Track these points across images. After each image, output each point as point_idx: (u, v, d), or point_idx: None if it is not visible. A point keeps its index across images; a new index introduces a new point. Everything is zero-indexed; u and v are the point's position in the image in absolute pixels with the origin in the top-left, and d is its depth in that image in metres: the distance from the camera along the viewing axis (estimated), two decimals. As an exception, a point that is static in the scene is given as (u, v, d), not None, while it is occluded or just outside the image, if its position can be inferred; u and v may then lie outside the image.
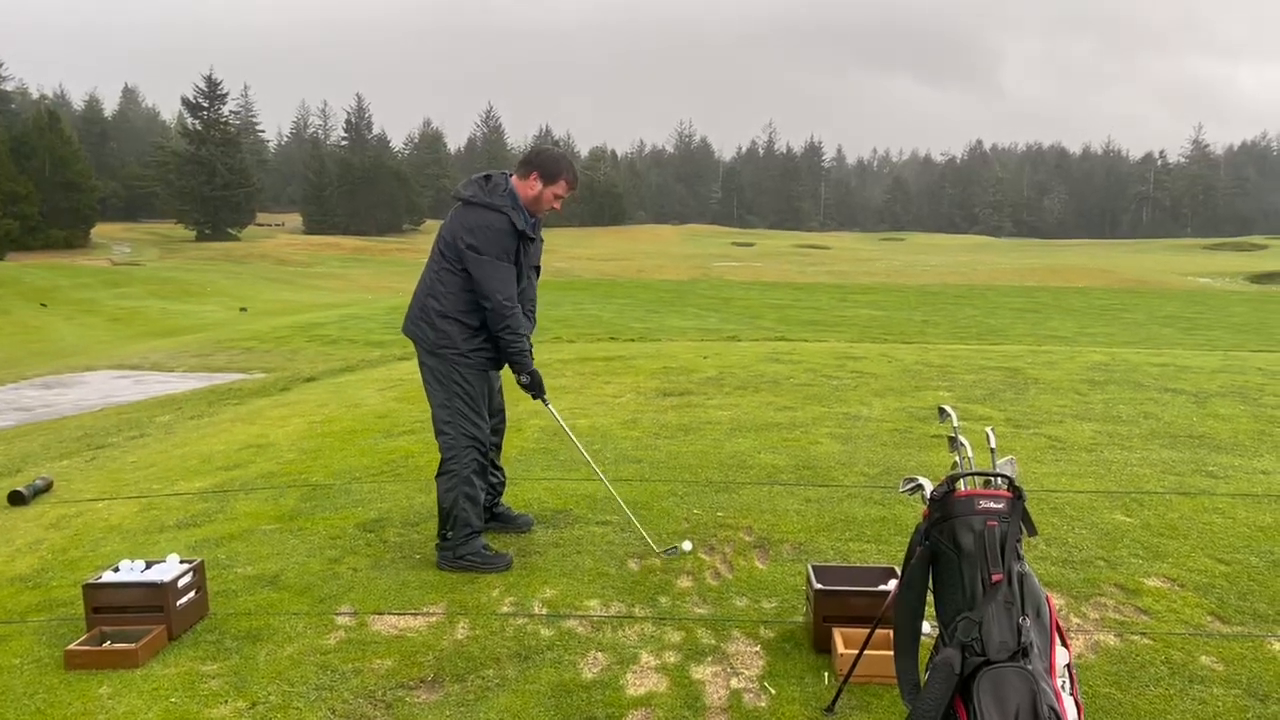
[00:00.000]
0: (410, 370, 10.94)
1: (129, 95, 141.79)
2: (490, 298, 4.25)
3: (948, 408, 3.17)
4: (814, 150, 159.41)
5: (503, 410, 4.80)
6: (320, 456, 6.52)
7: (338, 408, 8.62)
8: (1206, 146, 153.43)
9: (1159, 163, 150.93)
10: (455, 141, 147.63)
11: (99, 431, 8.77)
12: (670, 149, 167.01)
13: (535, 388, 4.47)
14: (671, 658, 3.52)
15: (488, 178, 4.42)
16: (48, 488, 6.27)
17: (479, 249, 4.25)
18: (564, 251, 73.51)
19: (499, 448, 4.79)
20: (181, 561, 3.91)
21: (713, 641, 3.64)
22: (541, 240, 4.65)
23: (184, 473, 6.44)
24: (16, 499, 5.95)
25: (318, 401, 9.22)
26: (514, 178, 4.39)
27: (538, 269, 4.64)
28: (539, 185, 4.35)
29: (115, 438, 8.27)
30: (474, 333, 4.36)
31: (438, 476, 4.42)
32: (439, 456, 4.42)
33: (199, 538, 4.89)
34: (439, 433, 4.42)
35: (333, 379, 11.35)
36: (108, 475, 6.65)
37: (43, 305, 33.20)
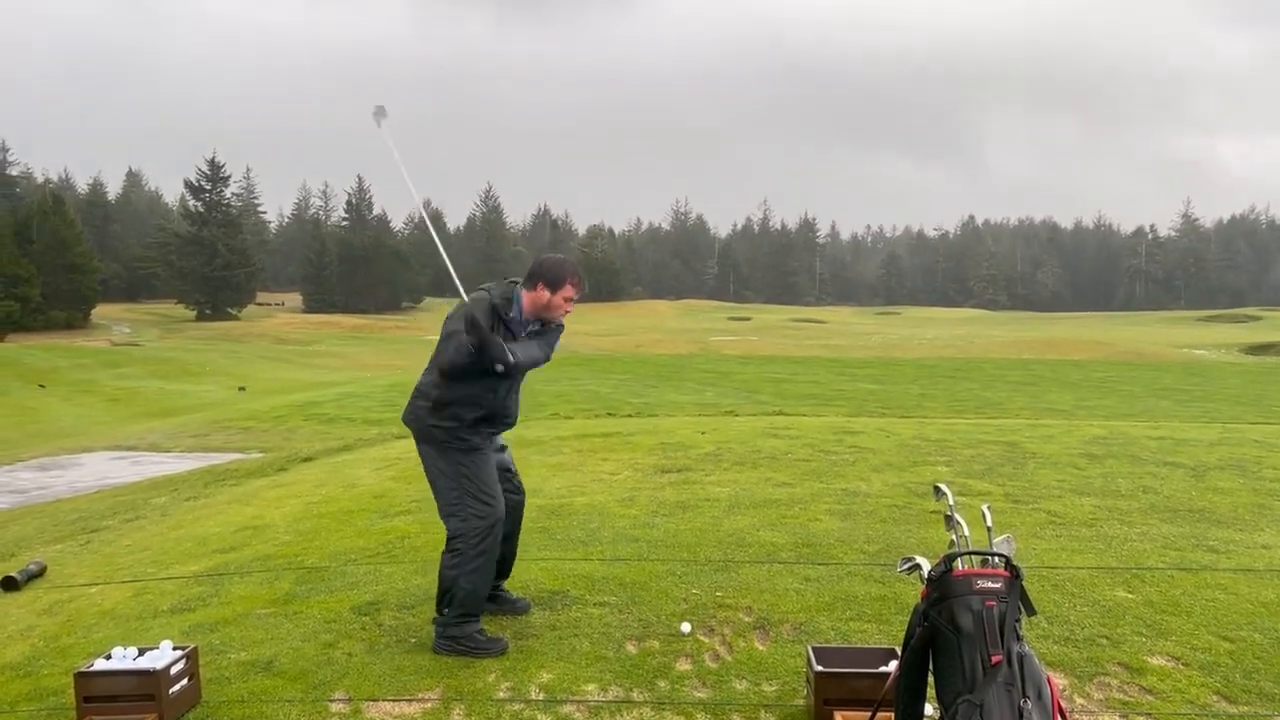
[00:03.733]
0: (407, 449, 10.92)
1: (132, 178, 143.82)
2: (440, 367, 4.32)
3: (943, 486, 3.18)
4: (808, 226, 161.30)
5: (512, 474, 4.74)
6: (316, 538, 6.48)
7: (335, 488, 8.59)
8: (1196, 220, 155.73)
9: (1150, 236, 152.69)
10: (455, 221, 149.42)
11: (94, 514, 8.72)
12: (666, 226, 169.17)
13: (483, 344, 4.22)
14: (671, 743, 3.46)
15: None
16: (41, 572, 6.21)
17: (452, 319, 4.35)
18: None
19: (515, 522, 4.74)
20: (174, 648, 3.87)
21: (712, 726, 3.58)
22: (552, 332, 4.62)
23: (179, 556, 6.39)
24: (9, 584, 5.90)
25: (315, 481, 9.19)
26: (523, 290, 4.47)
27: (546, 357, 4.59)
28: (547, 294, 4.43)
29: (110, 520, 8.23)
30: (475, 412, 4.39)
31: (443, 553, 4.41)
32: (440, 534, 4.43)
33: (193, 622, 4.84)
34: (449, 516, 4.42)
35: (330, 458, 11.32)
36: (102, 559, 6.60)
37: (41, 386, 33.22)
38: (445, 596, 4.33)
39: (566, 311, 4.52)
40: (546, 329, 4.58)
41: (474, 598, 4.33)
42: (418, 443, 4.50)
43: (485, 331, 4.20)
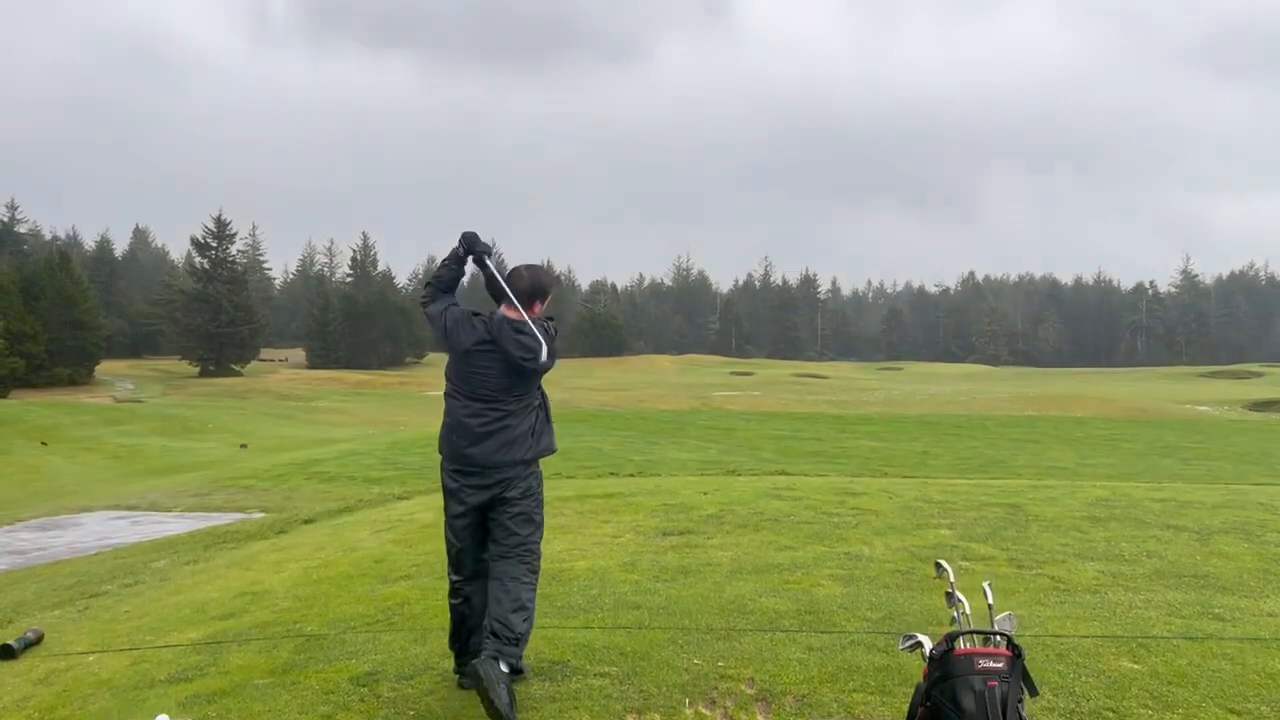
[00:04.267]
0: (408, 510, 10.89)
1: (139, 235, 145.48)
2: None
3: (944, 563, 3.18)
4: (809, 282, 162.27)
5: (507, 534, 4.62)
6: (315, 604, 6.44)
7: (334, 551, 8.55)
8: (1196, 276, 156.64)
9: (1150, 292, 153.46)
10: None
11: (93, 578, 8.67)
12: (669, 281, 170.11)
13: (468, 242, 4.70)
14: (671, 823, 3.41)
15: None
16: (39, 640, 6.17)
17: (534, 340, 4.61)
18: (565, 382, 73.92)
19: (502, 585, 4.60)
20: (171, 722, 3.84)
21: (714, 804, 3.53)
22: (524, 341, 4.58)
23: (177, 623, 6.35)
24: (7, 653, 5.85)
25: (315, 545, 9.15)
26: (518, 311, 4.60)
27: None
28: (540, 307, 4.68)
29: (109, 585, 8.18)
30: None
31: (527, 585, 4.61)
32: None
33: (190, 693, 4.79)
34: (531, 551, 4.69)
35: (330, 520, 11.27)
36: (100, 626, 6.56)
37: (43, 444, 33.19)
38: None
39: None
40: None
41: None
42: None
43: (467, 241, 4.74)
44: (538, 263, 5.06)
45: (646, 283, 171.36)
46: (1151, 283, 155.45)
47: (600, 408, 53.05)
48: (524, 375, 4.52)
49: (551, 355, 4.52)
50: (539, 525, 4.66)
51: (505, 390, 4.52)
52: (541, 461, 4.92)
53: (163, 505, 15.65)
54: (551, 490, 11.72)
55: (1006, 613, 2.95)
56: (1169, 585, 6.27)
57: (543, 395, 4.76)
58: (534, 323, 4.54)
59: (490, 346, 4.52)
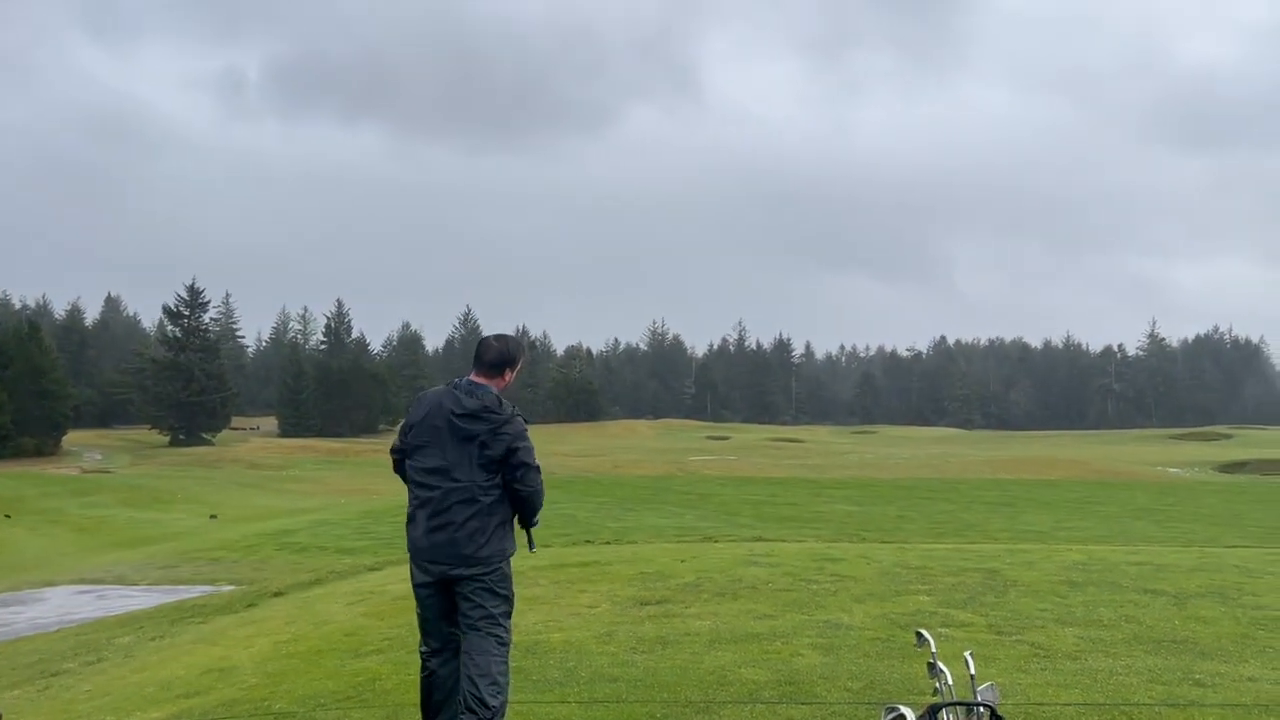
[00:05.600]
0: (380, 582, 10.71)
1: (111, 304, 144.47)
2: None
3: (924, 632, 3.15)
4: (783, 346, 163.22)
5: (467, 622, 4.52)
6: (284, 680, 6.28)
7: (305, 625, 8.37)
8: (1162, 340, 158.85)
9: (1119, 355, 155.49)
10: (434, 342, 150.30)
11: (54, 655, 8.44)
12: (644, 346, 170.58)
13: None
14: None
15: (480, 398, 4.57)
16: (-5, 722, 5.97)
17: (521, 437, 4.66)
18: (540, 448, 72.15)
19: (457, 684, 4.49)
20: (132, 809, 3.70)
21: None
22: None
23: (140, 702, 6.16)
24: (-40, 736, 5.65)
25: (285, 618, 8.96)
26: (479, 378, 4.58)
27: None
28: (510, 378, 4.68)
29: (70, 663, 7.96)
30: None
31: (496, 659, 4.50)
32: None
33: (152, 777, 4.63)
34: (500, 625, 4.59)
35: (301, 592, 11.07)
36: (60, 706, 6.36)
37: (6, 516, 32.51)
38: None
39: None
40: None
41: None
42: None
43: None
44: (509, 331, 5.09)
45: (622, 347, 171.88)
46: (1120, 345, 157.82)
47: (576, 474, 52.75)
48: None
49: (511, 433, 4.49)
50: (505, 598, 4.55)
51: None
52: (516, 529, 4.87)
53: (129, 579, 15.32)
54: (525, 560, 11.59)
55: (989, 683, 2.92)
56: (1149, 650, 6.24)
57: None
58: (495, 393, 4.56)
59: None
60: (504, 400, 4.55)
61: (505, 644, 4.50)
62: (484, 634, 4.43)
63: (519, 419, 4.53)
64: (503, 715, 4.39)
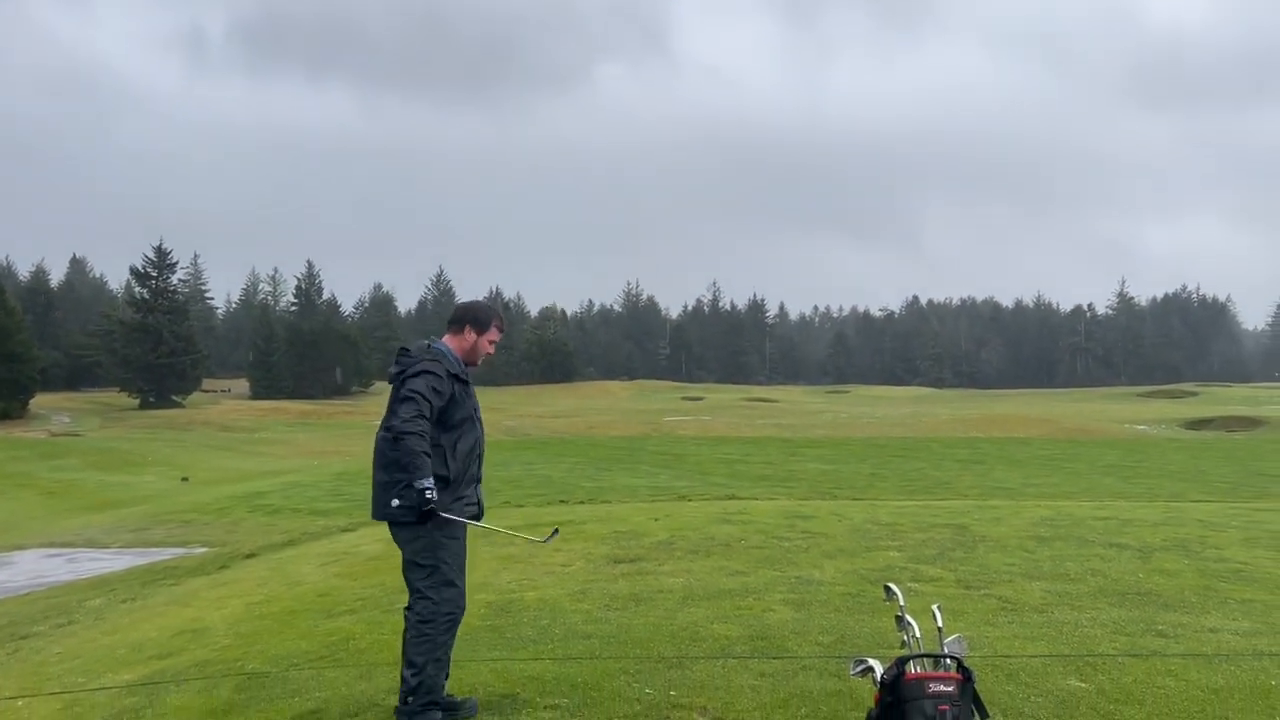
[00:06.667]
0: (353, 543, 10.69)
1: (76, 265, 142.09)
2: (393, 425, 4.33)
3: (893, 586, 3.18)
4: (757, 307, 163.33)
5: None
6: (257, 641, 6.27)
7: (277, 586, 8.35)
8: (1131, 299, 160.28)
9: (1089, 314, 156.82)
10: (406, 304, 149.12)
11: (24, 619, 8.38)
12: (618, 307, 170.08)
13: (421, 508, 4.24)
14: None
15: (405, 350, 4.61)
16: (-36, 685, 5.93)
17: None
18: (514, 410, 73.45)
19: None
20: (103, 769, 3.69)
21: (667, 837, 3.48)
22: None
23: (112, 663, 6.14)
24: (-72, 699, 5.61)
25: (257, 580, 8.94)
26: (446, 337, 4.68)
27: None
28: (474, 335, 4.67)
29: (41, 625, 7.91)
30: (445, 486, 4.40)
31: (411, 638, 4.38)
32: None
33: (124, 738, 4.62)
34: (420, 597, 4.42)
35: (274, 553, 11.04)
36: (30, 669, 6.32)
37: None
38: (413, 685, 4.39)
39: (489, 353, 4.75)
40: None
41: (437, 684, 4.41)
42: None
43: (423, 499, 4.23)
44: (483, 292, 5.11)
45: (596, 309, 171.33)
46: (1089, 305, 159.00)
47: (550, 435, 52.81)
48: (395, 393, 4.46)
49: (414, 373, 4.40)
50: (430, 569, 4.43)
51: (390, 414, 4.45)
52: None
53: (99, 542, 15.21)
54: (501, 519, 11.62)
55: (956, 635, 2.95)
56: (1113, 603, 6.35)
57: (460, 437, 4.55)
58: (436, 343, 4.63)
59: None
60: (438, 349, 4.56)
61: (426, 620, 4.40)
62: (410, 609, 4.47)
63: (434, 362, 4.45)
64: (427, 690, 4.35)
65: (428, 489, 4.18)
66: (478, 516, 4.69)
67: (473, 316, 4.69)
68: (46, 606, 9.02)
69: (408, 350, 4.60)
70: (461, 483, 4.53)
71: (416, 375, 4.40)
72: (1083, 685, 4.75)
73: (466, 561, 4.64)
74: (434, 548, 4.41)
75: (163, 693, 5.30)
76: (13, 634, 7.74)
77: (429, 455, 4.28)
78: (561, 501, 15.47)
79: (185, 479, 30.11)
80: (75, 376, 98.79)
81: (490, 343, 4.72)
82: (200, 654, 6.10)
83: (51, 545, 15.18)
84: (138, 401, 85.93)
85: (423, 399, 4.33)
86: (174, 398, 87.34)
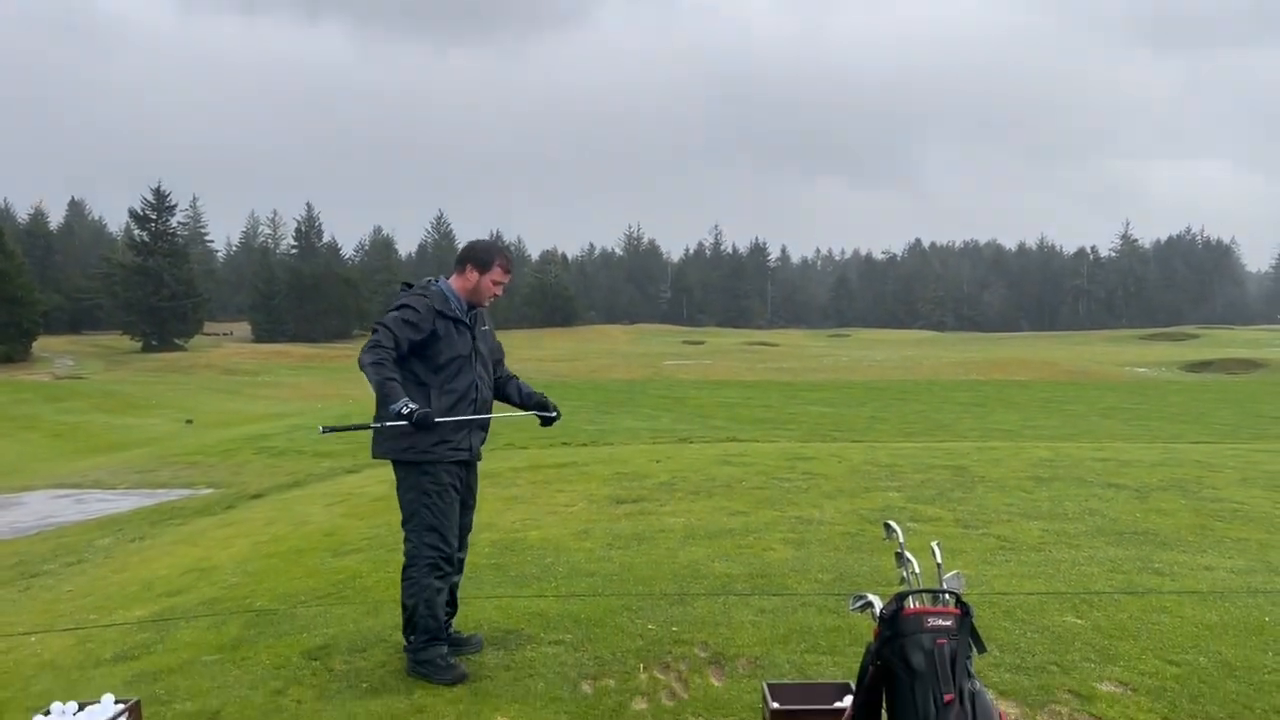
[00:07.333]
0: (358, 484, 10.79)
1: (75, 208, 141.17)
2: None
3: (893, 523, 3.21)
4: (759, 250, 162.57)
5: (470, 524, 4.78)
6: (265, 579, 6.37)
7: (284, 526, 8.45)
8: (1135, 241, 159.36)
9: (1091, 257, 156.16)
10: (406, 247, 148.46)
11: (34, 557, 8.49)
12: (620, 251, 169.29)
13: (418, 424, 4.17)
14: (627, 786, 3.44)
15: (407, 285, 4.62)
16: (-23, 621, 6.03)
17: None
18: (516, 354, 73.25)
19: (460, 565, 4.73)
20: (116, 701, 3.77)
21: (669, 767, 3.56)
22: (490, 331, 4.77)
23: (123, 600, 6.23)
24: (-57, 635, 5.71)
25: (263, 520, 9.03)
26: (452, 277, 4.60)
27: (499, 362, 4.84)
28: (476, 275, 4.55)
29: (51, 564, 8.01)
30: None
31: (402, 580, 4.48)
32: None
33: (136, 671, 4.72)
34: (405, 539, 4.49)
35: (279, 495, 11.15)
36: (42, 606, 6.42)
37: None
38: (409, 624, 4.47)
39: (495, 295, 4.60)
40: (483, 328, 4.63)
41: (430, 620, 4.42)
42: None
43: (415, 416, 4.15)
44: (484, 236, 5.05)
45: (597, 252, 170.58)
46: (1093, 248, 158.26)
47: (553, 378, 52.92)
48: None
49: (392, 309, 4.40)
50: (411, 513, 4.43)
51: None
52: (494, 430, 4.89)
53: (107, 483, 15.35)
54: (504, 460, 11.70)
55: (954, 571, 3.00)
56: (1110, 542, 6.43)
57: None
58: (437, 282, 4.59)
59: None
60: (436, 288, 4.53)
61: (409, 562, 4.44)
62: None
63: (417, 298, 4.41)
64: (428, 625, 4.40)
65: (402, 409, 4.11)
66: (468, 463, 4.59)
67: (474, 256, 4.56)
68: (56, 546, 9.14)
69: (410, 285, 4.59)
70: (449, 426, 4.40)
71: (393, 309, 4.40)
72: (1079, 621, 4.83)
73: (465, 504, 4.66)
74: (416, 491, 4.42)
75: (173, 628, 5.40)
76: (24, 572, 7.85)
77: (394, 379, 4.19)
78: (564, 444, 15.56)
79: (189, 421, 30.26)
80: (77, 320, 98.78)
81: (494, 283, 4.56)
82: (209, 591, 6.19)
83: (59, 486, 15.32)
84: (140, 345, 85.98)
85: (385, 330, 4.28)
86: (176, 341, 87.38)
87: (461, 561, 4.71)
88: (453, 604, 4.72)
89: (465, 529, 4.70)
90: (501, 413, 4.84)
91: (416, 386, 4.37)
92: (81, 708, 3.76)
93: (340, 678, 4.45)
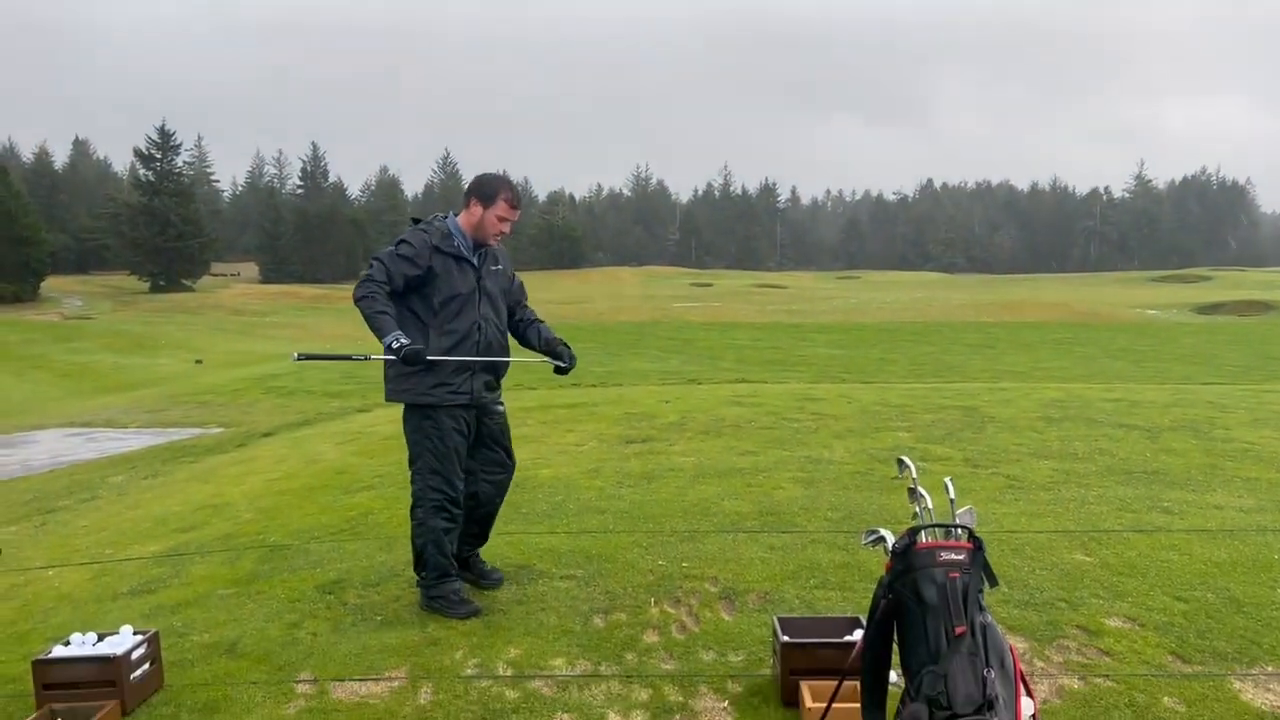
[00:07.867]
0: (368, 423, 10.84)
1: (80, 147, 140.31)
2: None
3: (906, 459, 3.20)
4: (769, 191, 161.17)
5: (502, 461, 4.70)
6: (278, 515, 6.42)
7: (296, 464, 8.50)
8: (1149, 181, 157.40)
9: (1104, 198, 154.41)
10: (412, 188, 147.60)
11: (49, 494, 8.57)
12: (627, 192, 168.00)
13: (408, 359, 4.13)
14: (639, 717, 3.48)
15: (416, 220, 4.54)
16: (-5, 556, 6.10)
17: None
18: (523, 296, 73.14)
19: (496, 503, 4.73)
20: (135, 633, 3.82)
21: (680, 698, 3.61)
22: (504, 271, 4.63)
23: (137, 536, 6.30)
24: (-38, 569, 5.78)
25: (275, 457, 9.09)
26: (461, 214, 4.47)
27: (520, 304, 4.76)
28: (480, 209, 4.38)
29: (66, 500, 8.09)
30: (426, 369, 4.28)
31: (411, 520, 4.52)
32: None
33: (153, 605, 4.78)
34: (411, 480, 4.50)
35: (291, 433, 11.21)
36: (58, 540, 6.49)
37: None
38: (418, 560, 4.50)
39: (502, 231, 4.43)
40: (494, 269, 4.53)
41: (439, 556, 4.43)
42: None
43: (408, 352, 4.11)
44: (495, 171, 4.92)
45: (605, 193, 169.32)
46: (1106, 188, 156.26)
47: (561, 321, 52.82)
48: None
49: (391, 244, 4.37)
50: (415, 455, 4.42)
51: None
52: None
53: (118, 422, 15.46)
54: (514, 401, 11.71)
55: (967, 507, 2.99)
56: (1120, 481, 6.43)
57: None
58: (443, 218, 4.51)
59: None
60: (441, 224, 4.44)
61: (416, 503, 4.44)
62: None
63: (417, 234, 4.35)
64: (437, 562, 4.41)
65: (391, 344, 4.08)
66: (468, 406, 4.43)
67: (479, 189, 4.39)
68: (70, 483, 9.22)
69: (418, 221, 4.51)
70: (448, 368, 4.30)
71: (392, 244, 4.35)
72: (1087, 559, 4.84)
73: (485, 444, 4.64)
74: (419, 434, 4.38)
75: (188, 564, 5.45)
76: (39, 508, 7.93)
77: (385, 313, 4.15)
78: (574, 385, 15.58)
79: (199, 361, 30.39)
80: (84, 260, 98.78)
81: (499, 219, 4.37)
82: (223, 527, 6.25)
83: (71, 425, 15.44)
84: (148, 285, 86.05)
85: (379, 264, 4.23)
86: (184, 281, 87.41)
87: (494, 497, 4.68)
88: (483, 535, 4.75)
89: (496, 466, 4.65)
90: (510, 357, 4.67)
91: (417, 327, 4.31)
92: (101, 639, 3.81)
93: (354, 611, 4.50)
